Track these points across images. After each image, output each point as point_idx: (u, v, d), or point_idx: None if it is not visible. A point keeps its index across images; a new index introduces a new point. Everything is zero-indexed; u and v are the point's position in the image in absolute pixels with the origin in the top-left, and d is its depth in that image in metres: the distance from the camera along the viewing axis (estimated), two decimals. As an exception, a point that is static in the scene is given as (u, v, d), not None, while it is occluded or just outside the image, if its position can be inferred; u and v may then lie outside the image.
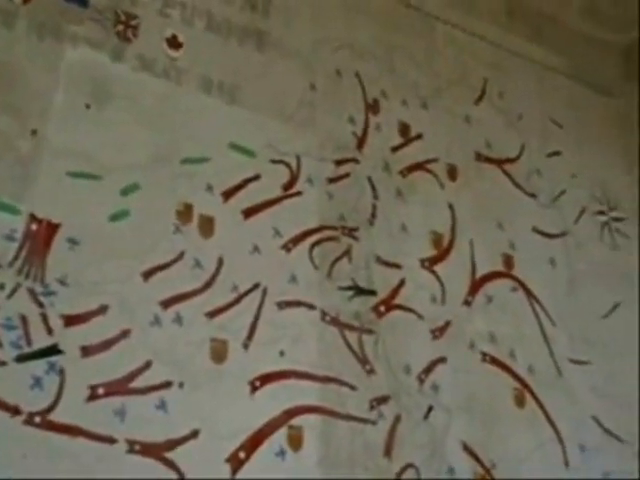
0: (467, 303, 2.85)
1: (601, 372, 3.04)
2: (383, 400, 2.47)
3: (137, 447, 2.04)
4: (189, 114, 2.57)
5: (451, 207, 3.02)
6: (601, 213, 3.49)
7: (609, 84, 3.89)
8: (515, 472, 2.61)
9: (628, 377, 3.11)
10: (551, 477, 2.67)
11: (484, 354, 2.78)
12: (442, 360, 2.67)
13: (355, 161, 2.86)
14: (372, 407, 2.44)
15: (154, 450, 2.06)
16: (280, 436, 2.23)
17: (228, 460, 2.14)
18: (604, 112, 3.79)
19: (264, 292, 2.41)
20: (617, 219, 3.53)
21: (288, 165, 2.68)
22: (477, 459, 2.56)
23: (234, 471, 2.14)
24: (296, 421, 2.28)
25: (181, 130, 2.52)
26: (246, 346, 2.30)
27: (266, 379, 2.28)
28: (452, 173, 3.11)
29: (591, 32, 3.93)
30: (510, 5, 3.69)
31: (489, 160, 3.24)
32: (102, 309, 2.13)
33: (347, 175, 2.82)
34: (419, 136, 3.08)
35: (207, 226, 2.41)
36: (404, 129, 3.07)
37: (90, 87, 2.42)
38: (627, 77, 3.93)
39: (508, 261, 3.06)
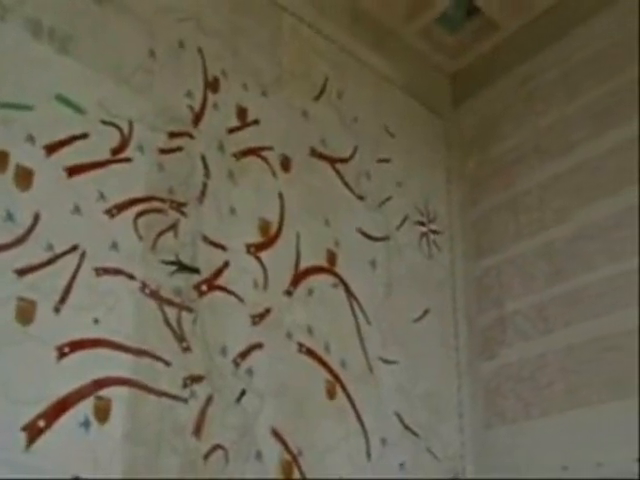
0: (288, 293, 3.02)
1: (407, 372, 3.35)
2: (197, 379, 2.56)
3: None
4: (12, 56, 2.48)
5: (281, 197, 3.19)
6: (421, 224, 3.85)
7: (439, 105, 4.30)
8: (320, 460, 2.80)
9: (430, 379, 3.47)
10: (353, 467, 2.92)
11: (300, 345, 2.97)
12: (259, 346, 2.81)
13: (190, 136, 2.94)
14: (185, 385, 2.52)
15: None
16: (86, 406, 2.23)
17: (25, 428, 2.10)
18: (433, 130, 4.18)
19: (82, 255, 2.39)
20: (434, 231, 3.91)
21: (119, 129, 2.69)
22: (285, 445, 2.73)
23: (31, 440, 2.10)
24: (104, 392, 2.29)
25: (1, 72, 2.46)
26: (57, 310, 2.28)
27: (76, 346, 2.27)
28: (285, 164, 3.29)
29: (427, 53, 4.35)
30: (357, 11, 3.99)
31: (322, 157, 3.46)
32: None
33: (180, 149, 2.89)
34: (256, 122, 3.23)
35: (24, 178, 2.36)
36: (242, 113, 3.20)
37: None
38: (455, 101, 4.40)
39: (331, 257, 3.29)
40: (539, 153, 3.87)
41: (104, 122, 2.66)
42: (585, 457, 3.11)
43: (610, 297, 3.28)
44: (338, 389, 3.01)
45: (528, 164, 3.90)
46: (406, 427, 3.22)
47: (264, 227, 3.06)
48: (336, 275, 3.26)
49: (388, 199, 3.70)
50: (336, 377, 3.03)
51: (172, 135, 2.88)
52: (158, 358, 2.47)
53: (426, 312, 3.60)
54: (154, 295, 2.55)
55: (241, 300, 2.82)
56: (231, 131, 3.11)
